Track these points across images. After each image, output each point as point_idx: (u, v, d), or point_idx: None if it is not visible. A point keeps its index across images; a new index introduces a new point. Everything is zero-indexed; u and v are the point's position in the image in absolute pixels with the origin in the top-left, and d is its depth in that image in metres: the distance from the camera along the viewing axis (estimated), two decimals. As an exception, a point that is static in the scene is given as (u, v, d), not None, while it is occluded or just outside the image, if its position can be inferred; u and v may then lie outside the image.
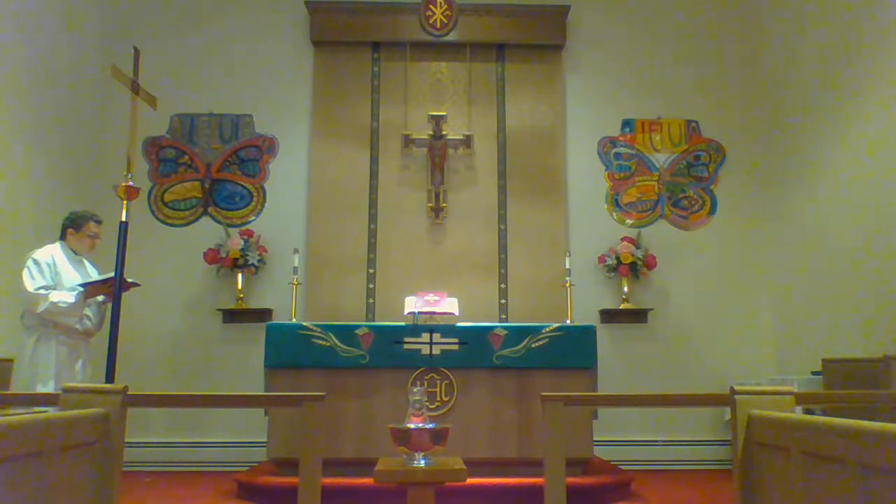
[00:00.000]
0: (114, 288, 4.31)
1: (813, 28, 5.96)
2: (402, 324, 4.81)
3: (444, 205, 6.44)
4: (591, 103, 6.81)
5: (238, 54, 6.76)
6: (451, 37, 6.69)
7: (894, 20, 4.91)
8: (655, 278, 6.50)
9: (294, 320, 5.19)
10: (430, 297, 4.92)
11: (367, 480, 3.59)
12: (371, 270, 6.39)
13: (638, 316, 6.42)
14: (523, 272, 6.40)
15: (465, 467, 2.71)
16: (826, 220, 5.73)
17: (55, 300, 4.11)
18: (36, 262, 4.21)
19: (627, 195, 6.69)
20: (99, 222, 4.54)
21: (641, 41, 6.87)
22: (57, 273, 4.24)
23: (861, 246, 5.19)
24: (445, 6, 6.65)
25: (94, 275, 4.46)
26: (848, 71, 5.45)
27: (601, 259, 6.43)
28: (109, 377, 4.21)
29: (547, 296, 6.27)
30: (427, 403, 3.23)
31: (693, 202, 6.69)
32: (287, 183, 6.62)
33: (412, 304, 4.87)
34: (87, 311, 4.34)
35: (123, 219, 4.46)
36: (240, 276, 6.27)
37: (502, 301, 6.37)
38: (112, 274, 4.34)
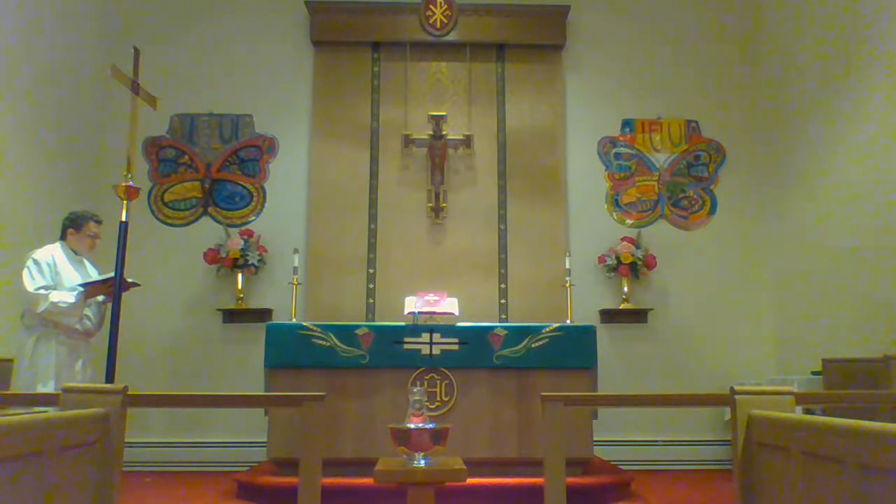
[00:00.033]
0: (114, 288, 4.31)
1: (813, 28, 5.96)
2: (402, 324, 4.81)
3: (444, 205, 6.44)
4: (591, 103, 6.82)
5: (238, 54, 6.76)
6: (451, 37, 6.69)
7: (894, 20, 4.91)
8: (655, 278, 6.50)
9: (294, 320, 5.19)
10: (430, 297, 4.92)
11: (367, 480, 3.59)
12: (371, 270, 6.39)
13: (638, 316, 6.43)
14: (523, 272, 6.40)
15: (465, 467, 2.71)
16: (826, 220, 5.73)
17: (55, 300, 4.11)
18: (36, 262, 4.21)
19: (627, 195, 6.69)
20: (99, 222, 4.54)
21: (641, 41, 6.87)
22: (57, 273, 4.24)
23: (861, 246, 5.19)
24: (445, 6, 6.65)
25: (94, 275, 4.46)
26: (848, 71, 5.45)
27: (601, 259, 6.43)
28: (109, 377, 4.21)
29: (547, 296, 6.27)
30: (427, 403, 3.23)
31: (693, 202, 6.69)
32: (287, 183, 6.62)
33: (412, 304, 4.87)
34: (88, 311, 4.34)
35: (123, 219, 4.46)
36: (240, 276, 6.27)
37: (502, 301, 6.37)
38: (112, 274, 4.33)
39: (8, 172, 5.18)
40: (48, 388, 4.02)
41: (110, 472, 2.30)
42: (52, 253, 4.31)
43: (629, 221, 6.65)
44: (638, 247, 6.40)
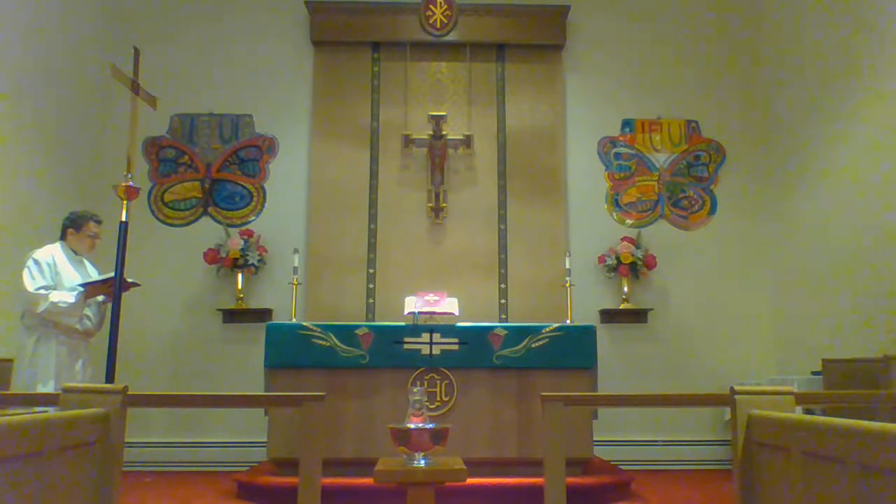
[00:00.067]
0: (114, 288, 4.31)
1: (813, 28, 5.96)
2: (402, 324, 4.81)
3: (444, 205, 6.44)
4: (591, 103, 6.81)
5: (238, 54, 6.76)
6: (451, 37, 6.69)
7: (894, 20, 4.90)
8: (655, 278, 6.50)
9: (294, 320, 5.19)
10: (430, 297, 4.92)
11: (367, 480, 3.60)
12: (371, 270, 6.39)
13: (638, 316, 6.43)
14: (523, 272, 6.40)
15: (465, 467, 2.71)
16: (826, 220, 5.73)
17: (55, 300, 4.11)
18: (36, 262, 4.21)
19: (627, 195, 6.69)
20: (99, 222, 4.54)
21: (641, 41, 6.87)
22: (57, 273, 4.24)
23: (861, 246, 5.19)
24: (445, 6, 6.65)
25: (94, 275, 4.47)
26: (848, 71, 5.45)
27: (601, 259, 6.43)
28: (109, 377, 4.21)
29: (547, 296, 6.27)
30: (427, 403, 3.24)
31: (693, 202, 6.69)
32: (287, 183, 6.62)
33: (412, 304, 4.87)
34: (88, 311, 4.34)
35: (123, 219, 4.46)
36: (240, 276, 6.27)
37: (502, 301, 6.37)
38: (112, 274, 4.34)
39: (8, 172, 5.18)
40: (48, 388, 4.02)
41: (110, 472, 2.30)
42: (53, 253, 4.31)
43: (629, 221, 6.65)
44: (638, 247, 6.40)
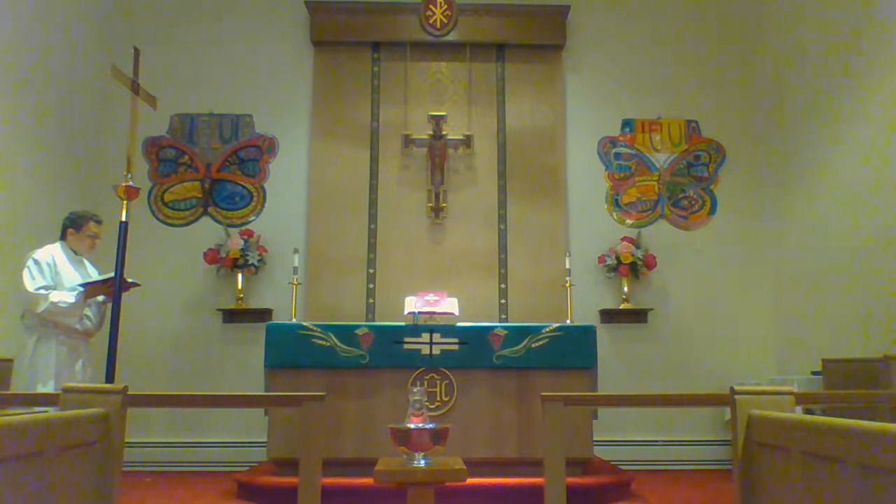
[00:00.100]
0: (114, 288, 4.31)
1: (813, 28, 5.96)
2: (402, 324, 4.81)
3: (444, 205, 6.44)
4: (591, 103, 6.82)
5: (238, 54, 6.76)
6: (451, 37, 6.69)
7: (894, 20, 4.91)
8: (655, 278, 6.50)
9: (294, 320, 5.18)
10: (430, 297, 4.92)
11: (367, 480, 3.60)
12: (371, 270, 6.39)
13: (638, 316, 6.43)
14: (523, 272, 6.40)
15: (465, 467, 2.71)
16: (826, 220, 5.73)
17: (55, 300, 4.11)
18: (36, 262, 4.21)
19: (627, 195, 6.69)
20: (99, 222, 4.54)
21: (641, 41, 6.87)
22: (57, 273, 4.25)
23: (861, 246, 5.19)
24: (445, 6, 6.65)
25: (94, 275, 4.47)
26: (848, 71, 5.45)
27: (601, 259, 6.43)
28: (109, 377, 4.21)
29: (547, 296, 6.27)
30: (427, 403, 3.23)
31: (693, 202, 6.69)
32: (287, 183, 6.62)
33: (412, 304, 4.87)
34: (87, 311, 4.34)
35: (123, 219, 4.46)
36: (240, 276, 6.27)
37: (502, 301, 6.37)
38: (112, 274, 4.33)
39: (8, 172, 5.18)
40: (48, 388, 4.02)
41: (110, 472, 2.30)
42: (53, 253, 4.31)
43: (629, 221, 6.65)
44: (638, 247, 6.40)
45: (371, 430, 4.52)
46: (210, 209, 6.57)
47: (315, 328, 4.68)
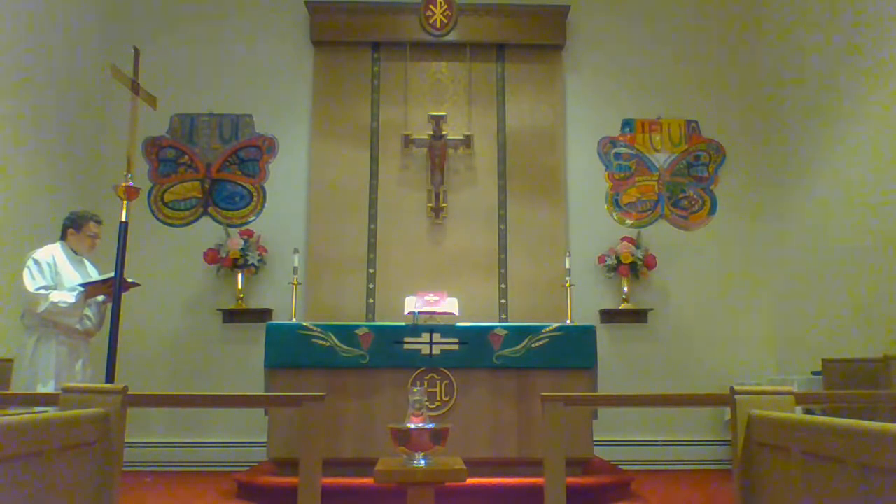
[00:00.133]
0: (114, 288, 4.31)
1: (813, 28, 5.96)
2: (402, 324, 4.81)
3: (444, 205, 6.44)
4: (591, 103, 6.82)
5: (238, 54, 6.76)
6: (451, 37, 6.69)
7: (894, 20, 4.91)
8: (655, 278, 6.50)
9: (294, 320, 5.18)
10: (430, 297, 4.92)
11: (367, 480, 3.60)
12: (371, 270, 6.39)
13: (638, 316, 6.42)
14: (523, 272, 6.40)
15: (465, 467, 2.71)
16: (826, 220, 5.73)
17: (55, 300, 4.11)
18: (36, 262, 4.21)
19: (627, 195, 6.69)
20: (99, 222, 4.54)
21: (641, 41, 6.87)
22: (57, 273, 4.25)
23: (861, 246, 5.19)
24: (445, 6, 6.65)
25: (94, 275, 4.47)
26: (848, 71, 5.45)
27: (601, 259, 6.43)
28: (109, 377, 4.21)
29: (547, 296, 6.27)
30: (427, 403, 3.23)
31: (693, 202, 6.69)
32: (287, 183, 6.62)
33: (412, 304, 4.87)
34: (88, 311, 4.35)
35: (123, 219, 4.46)
36: (240, 276, 6.27)
37: (502, 301, 6.37)
38: (112, 274, 4.34)
39: (8, 173, 5.18)
40: (48, 388, 4.03)
41: (110, 472, 2.30)
42: (53, 253, 4.31)
43: (629, 221, 6.65)
44: (638, 247, 6.40)
45: (371, 430, 4.52)
46: (210, 209, 6.57)
47: (315, 328, 4.68)
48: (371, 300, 6.33)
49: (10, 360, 4.37)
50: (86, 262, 4.52)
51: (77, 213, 4.51)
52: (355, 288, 6.35)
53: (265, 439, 4.67)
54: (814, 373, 5.26)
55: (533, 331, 4.73)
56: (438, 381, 4.65)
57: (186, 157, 6.64)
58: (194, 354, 6.28)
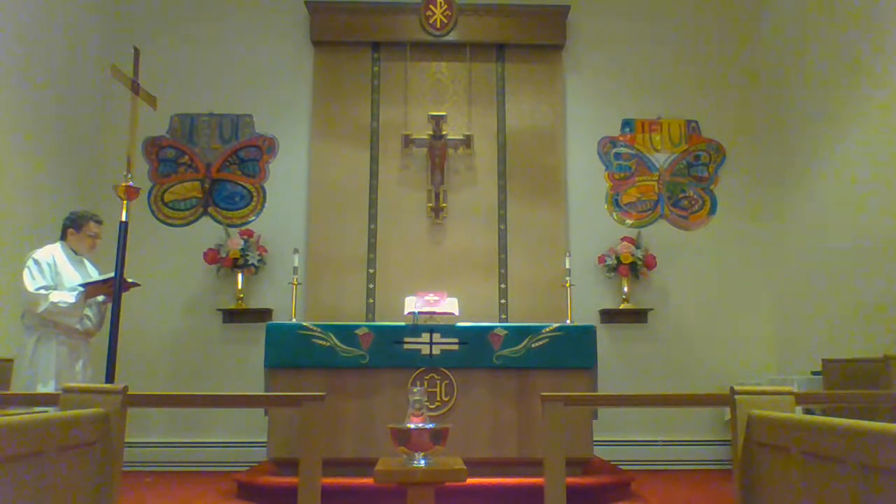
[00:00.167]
0: (114, 288, 4.31)
1: (813, 28, 5.96)
2: (402, 324, 4.80)
3: (444, 205, 6.44)
4: (591, 103, 6.82)
5: (238, 54, 6.76)
6: (451, 37, 6.69)
7: (894, 20, 4.91)
8: (655, 278, 6.50)
9: (294, 320, 5.18)
10: (430, 297, 4.92)
11: (367, 480, 3.59)
12: (371, 270, 6.39)
13: (638, 316, 6.42)
14: (523, 272, 6.40)
15: (465, 467, 2.71)
16: (826, 220, 5.73)
17: (55, 300, 4.11)
18: (36, 262, 4.21)
19: (627, 195, 6.69)
20: (99, 222, 4.54)
21: (641, 41, 6.87)
22: (57, 273, 4.24)
23: (861, 246, 5.19)
24: (445, 6, 6.65)
25: (94, 275, 4.46)
26: (848, 71, 5.45)
27: (601, 259, 6.43)
28: (109, 377, 4.21)
29: (547, 296, 6.27)
30: (427, 403, 3.23)
31: (693, 202, 6.69)
32: (287, 183, 6.62)
33: (412, 304, 4.87)
34: (88, 312, 4.34)
35: (123, 219, 4.46)
36: (240, 276, 6.27)
37: (502, 301, 6.37)
38: (112, 274, 4.34)
39: (8, 172, 5.18)
40: (48, 388, 4.02)
41: (110, 472, 2.30)
42: (53, 253, 4.31)
43: (629, 221, 6.65)
44: (638, 247, 6.40)
45: (371, 430, 4.52)
46: (210, 209, 6.57)
47: (315, 328, 4.68)
48: (371, 300, 6.33)
49: (10, 360, 4.37)
50: (86, 262, 4.52)
51: (77, 213, 4.51)
52: (355, 288, 6.35)
53: (265, 439, 4.67)
54: (814, 373, 5.26)
55: (533, 331, 4.73)
56: (438, 381, 4.65)
57: (186, 157, 6.64)
58: (194, 354, 6.28)
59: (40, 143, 5.60)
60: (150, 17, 6.75)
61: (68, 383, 2.69)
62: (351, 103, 6.64)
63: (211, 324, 6.33)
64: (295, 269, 5.34)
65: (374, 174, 6.55)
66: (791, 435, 2.03)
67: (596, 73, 6.86)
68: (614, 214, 6.66)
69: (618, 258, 6.34)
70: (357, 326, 4.73)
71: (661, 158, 6.74)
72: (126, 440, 2.53)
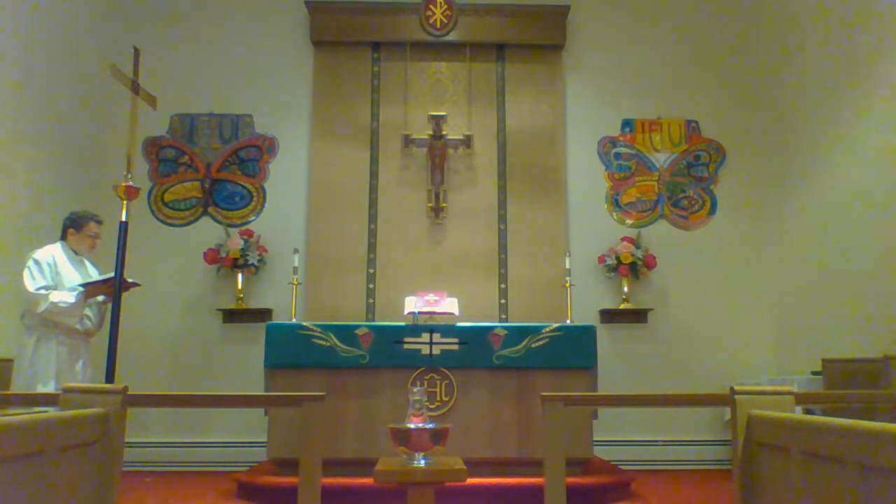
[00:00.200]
0: (114, 288, 4.31)
1: (813, 28, 5.96)
2: (402, 324, 4.80)
3: (444, 205, 6.44)
4: (591, 103, 6.82)
5: (238, 54, 6.76)
6: (451, 37, 6.69)
7: (895, 20, 4.90)
8: (655, 278, 6.50)
9: (294, 320, 5.18)
10: (430, 297, 4.92)
11: (367, 480, 3.59)
12: (371, 270, 6.39)
13: (638, 316, 6.42)
14: (523, 272, 6.40)
15: (465, 467, 2.71)
16: (826, 220, 5.73)
17: (55, 300, 4.11)
18: (36, 262, 4.21)
19: (627, 195, 6.69)
20: (99, 222, 4.54)
21: (641, 41, 6.87)
22: (57, 273, 4.25)
23: (861, 246, 5.19)
24: (445, 6, 6.65)
25: (94, 275, 4.47)
26: (848, 71, 5.45)
27: (601, 259, 6.43)
28: (109, 377, 4.21)
29: (547, 296, 6.27)
30: (427, 403, 3.23)
31: (693, 202, 6.69)
32: (287, 183, 6.62)
33: (412, 304, 4.87)
34: (88, 312, 4.34)
35: (123, 219, 4.47)
36: (240, 276, 6.27)
37: (502, 301, 6.37)
38: (112, 274, 4.34)
39: (8, 172, 5.18)
40: (48, 388, 4.02)
41: (110, 472, 2.30)
42: (53, 253, 4.31)
43: (629, 221, 6.65)
44: (638, 247, 6.40)
45: (371, 430, 4.52)
46: (210, 209, 6.57)
47: (315, 328, 4.68)
48: (371, 300, 6.33)
49: (10, 360, 4.37)
50: (86, 262, 4.52)
51: (77, 213, 4.51)
52: (355, 288, 6.35)
53: (265, 439, 4.67)
54: (814, 373, 5.26)
55: (533, 331, 4.73)
56: (438, 381, 4.65)
57: (186, 157, 6.64)
58: (194, 354, 6.28)
59: (40, 143, 5.60)
60: (150, 17, 6.75)
61: (68, 383, 2.69)
62: (351, 103, 6.64)
63: (211, 324, 6.33)
64: (295, 269, 5.34)
65: (374, 174, 6.55)
66: (791, 435, 2.03)
67: (596, 73, 6.86)
68: (614, 214, 6.67)
69: (618, 258, 6.34)
70: (357, 326, 4.73)
71: (661, 158, 6.74)
72: (126, 440, 2.53)
